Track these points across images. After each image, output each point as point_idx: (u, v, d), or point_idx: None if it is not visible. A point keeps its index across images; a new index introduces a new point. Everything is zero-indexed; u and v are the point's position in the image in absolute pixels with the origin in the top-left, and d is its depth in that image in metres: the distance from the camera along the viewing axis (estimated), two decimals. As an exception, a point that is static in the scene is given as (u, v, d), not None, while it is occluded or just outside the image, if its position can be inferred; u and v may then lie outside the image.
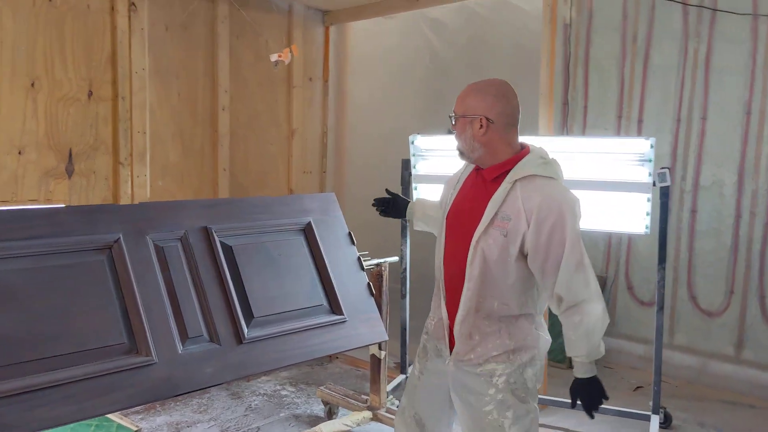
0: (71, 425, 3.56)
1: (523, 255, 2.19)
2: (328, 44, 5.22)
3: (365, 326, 3.27)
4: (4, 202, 3.71)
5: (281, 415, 3.98)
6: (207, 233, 2.93)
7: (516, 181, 2.19)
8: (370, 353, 3.76)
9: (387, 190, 3.14)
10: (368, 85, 5.36)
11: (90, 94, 3.99)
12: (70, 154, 3.94)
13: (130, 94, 4.11)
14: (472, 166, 2.42)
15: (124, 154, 4.12)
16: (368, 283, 3.39)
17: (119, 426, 3.66)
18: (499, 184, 2.22)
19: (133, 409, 3.91)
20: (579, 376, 2.22)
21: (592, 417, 2.23)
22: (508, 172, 2.22)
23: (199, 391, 4.17)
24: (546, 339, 2.36)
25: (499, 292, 2.23)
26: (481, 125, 2.22)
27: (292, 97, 5.03)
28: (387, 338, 3.34)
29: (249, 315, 2.91)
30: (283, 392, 4.31)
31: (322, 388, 4.08)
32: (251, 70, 4.78)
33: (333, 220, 3.44)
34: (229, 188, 4.71)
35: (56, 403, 2.39)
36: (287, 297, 3.06)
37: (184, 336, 2.70)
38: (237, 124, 4.74)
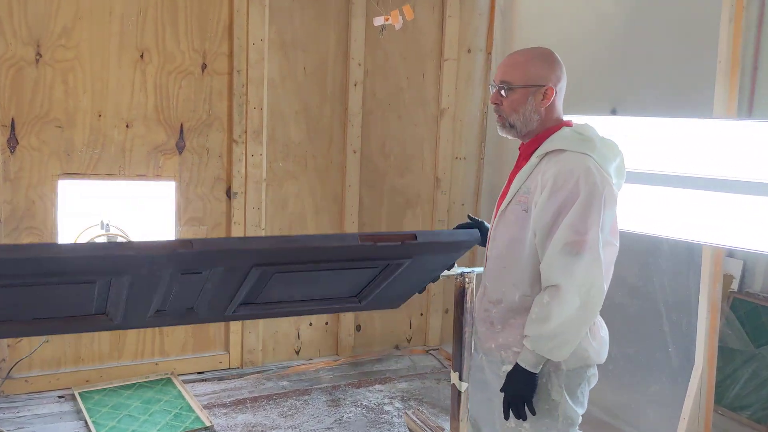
0: (151, 410, 3.44)
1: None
2: (493, 10, 4.48)
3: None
4: (111, 176, 3.68)
5: (367, 435, 3.47)
6: None
7: (546, 154, 1.98)
8: (451, 383, 3.07)
9: (469, 216, 2.47)
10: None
11: (204, 66, 3.81)
12: (182, 130, 3.80)
13: (246, 67, 3.85)
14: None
15: (238, 131, 3.89)
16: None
17: (196, 418, 3.46)
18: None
19: (220, 403, 3.69)
20: (519, 362, 1.97)
21: (505, 416, 1.99)
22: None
23: (297, 391, 3.86)
24: (595, 348, 2.03)
25: (519, 278, 2.02)
26: (544, 96, 2.01)
27: (443, 71, 4.41)
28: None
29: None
30: (388, 407, 3.79)
31: (408, 412, 3.48)
32: (393, 40, 4.25)
33: None
34: (360, 173, 4.27)
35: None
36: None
37: None
38: (373, 101, 4.27)
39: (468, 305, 3.07)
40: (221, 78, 3.86)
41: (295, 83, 4.05)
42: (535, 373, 1.96)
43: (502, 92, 2.02)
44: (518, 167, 2.09)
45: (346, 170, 4.23)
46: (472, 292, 3.08)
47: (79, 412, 3.49)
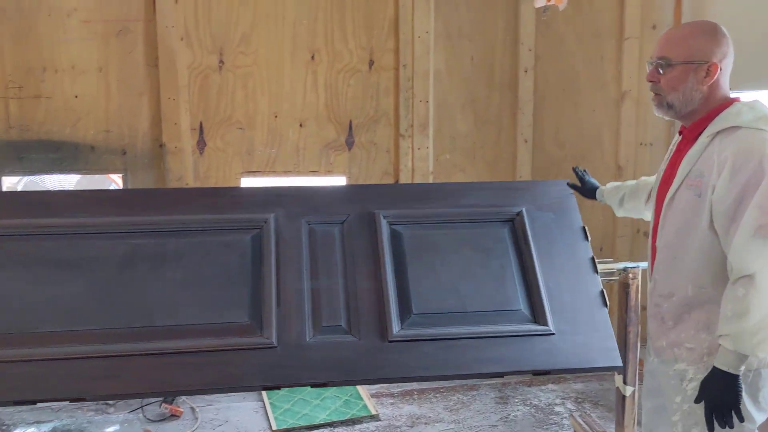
0: (323, 395, 3.59)
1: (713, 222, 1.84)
2: (681, -19, 4.09)
3: (585, 344, 2.46)
4: (287, 173, 3.89)
5: (533, 435, 3.32)
6: (373, 218, 2.55)
7: (716, 133, 1.84)
8: (616, 386, 2.82)
9: (574, 168, 2.63)
10: (740, 34, 4.00)
11: (371, 63, 3.89)
12: (350, 126, 3.92)
13: (411, 60, 3.88)
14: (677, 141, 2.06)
15: (404, 125, 3.92)
16: (601, 291, 2.55)
17: (363, 406, 3.55)
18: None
19: (388, 393, 3.74)
20: (717, 365, 1.78)
21: (710, 428, 1.78)
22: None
23: (465, 386, 3.80)
24: None
25: (692, 269, 1.88)
26: (708, 73, 1.87)
27: (623, 51, 4.10)
28: (619, 363, 2.46)
29: (406, 310, 2.44)
30: (559, 408, 3.59)
31: (575, 415, 3.26)
32: (567, 22, 4.05)
33: (562, 212, 2.69)
34: (532, 162, 4.10)
35: (166, 369, 2.35)
36: (469, 297, 2.48)
37: (317, 324, 2.39)
38: (545, 87, 4.09)
39: (632, 303, 2.84)
40: (387, 73, 3.92)
41: (461, 74, 4.00)
42: (738, 375, 1.77)
43: (660, 69, 1.90)
44: (682, 150, 1.97)
45: (516, 161, 4.09)
46: (637, 288, 2.85)
47: (259, 393, 3.72)
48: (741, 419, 1.76)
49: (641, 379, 2.60)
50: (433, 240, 2.55)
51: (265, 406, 3.58)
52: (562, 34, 4.07)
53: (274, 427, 3.36)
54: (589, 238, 2.67)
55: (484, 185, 2.78)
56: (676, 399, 1.94)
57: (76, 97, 3.68)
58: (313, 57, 3.83)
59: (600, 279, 2.59)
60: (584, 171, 2.73)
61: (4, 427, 3.38)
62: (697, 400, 1.82)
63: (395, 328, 2.36)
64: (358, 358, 2.32)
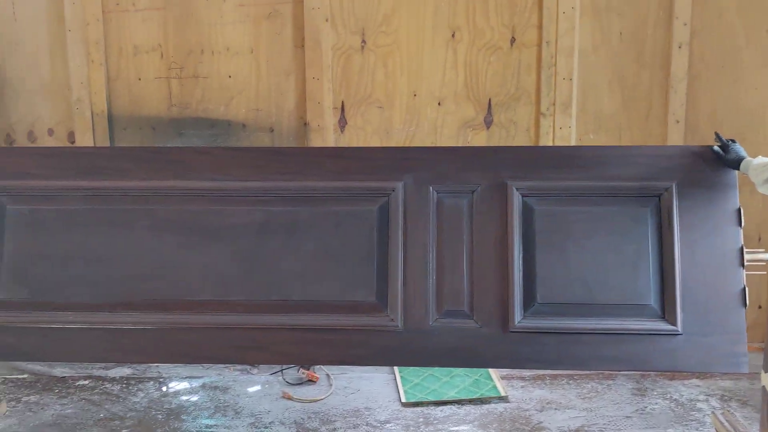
0: (453, 373, 3.65)
1: None
2: None
3: (712, 347, 2.34)
4: (424, 151, 3.92)
5: (669, 431, 3.16)
6: (504, 190, 2.51)
7: None
8: (761, 384, 2.62)
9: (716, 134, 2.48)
10: None
11: (512, 40, 3.82)
12: (489, 105, 3.88)
13: (555, 37, 3.75)
14: None
15: (546, 103, 3.82)
16: (743, 288, 2.40)
17: (493, 387, 3.56)
18: None
19: (519, 376, 3.72)
20: None
21: None
22: None
23: (601, 374, 3.70)
24: None
25: None
26: None
27: (794, 23, 3.73)
28: (745, 370, 2.31)
29: (530, 298, 2.43)
30: (702, 405, 3.40)
31: (717, 413, 3.06)
32: (730, -7, 3.74)
33: (716, 189, 2.51)
34: (684, 144, 3.85)
35: (302, 344, 2.49)
36: (596, 286, 2.44)
37: (441, 306, 2.44)
38: (700, 64, 3.81)
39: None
40: (530, 50, 3.82)
41: (608, 50, 3.82)
42: None
43: None
44: None
45: (666, 143, 3.86)
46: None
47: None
48: None
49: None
50: (566, 218, 2.47)
51: (395, 379, 3.68)
52: (723, 7, 3.76)
53: (403, 400, 3.45)
54: (743, 224, 2.49)
55: (634, 151, 2.60)
56: None
57: (230, 77, 3.92)
58: (453, 35, 3.82)
59: (745, 274, 2.43)
60: (731, 140, 2.55)
61: (161, 380, 3.73)
62: None
63: (517, 317, 2.35)
64: (477, 346, 2.34)
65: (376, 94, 3.89)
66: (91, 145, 3.96)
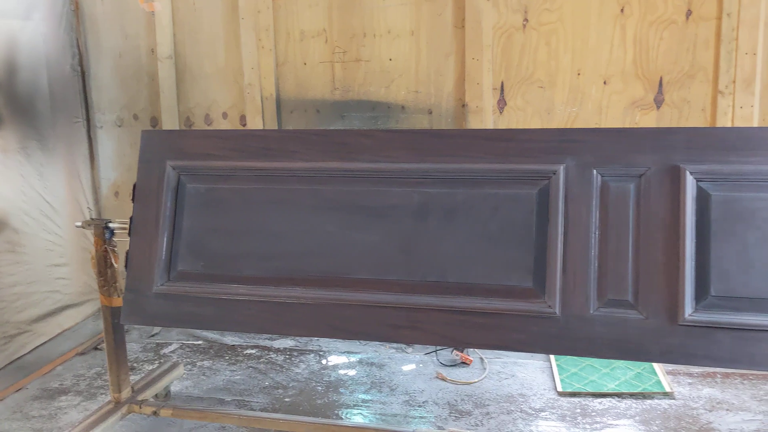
0: (614, 365, 3.52)
1: None
2: None
3: None
4: (587, 133, 3.77)
5: None
6: (677, 174, 2.35)
7: None
8: None
9: None
10: None
11: (689, 13, 3.55)
12: (660, 83, 3.64)
13: (738, 8, 3.45)
14: None
15: (725, 81, 3.53)
16: None
17: (657, 382, 3.40)
18: None
19: (687, 372, 3.50)
20: None
21: None
22: None
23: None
24: None
25: None
26: None
27: None
28: None
29: (703, 291, 2.27)
30: None
31: None
32: None
33: None
34: None
35: (456, 326, 2.51)
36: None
37: (603, 295, 2.35)
38: None
39: None
40: (707, 24, 3.54)
41: (801, 20, 3.45)
42: None
43: None
44: None
45: None
46: None
47: (547, 353, 3.75)
48: None
49: None
50: (749, 206, 2.27)
51: (551, 367, 3.60)
52: None
53: (560, 389, 3.37)
54: None
55: None
56: None
57: (390, 60, 3.97)
58: (622, 10, 3.61)
59: None
60: None
61: (321, 353, 3.89)
62: None
63: (688, 309, 2.20)
64: (642, 339, 2.22)
65: (537, 73, 3.78)
66: (261, 127, 4.18)
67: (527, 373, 3.57)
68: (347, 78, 4.06)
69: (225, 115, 4.33)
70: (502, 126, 3.85)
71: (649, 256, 2.30)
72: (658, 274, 2.28)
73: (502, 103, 3.84)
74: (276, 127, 4.19)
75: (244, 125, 4.26)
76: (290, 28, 4.12)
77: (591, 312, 2.32)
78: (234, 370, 3.73)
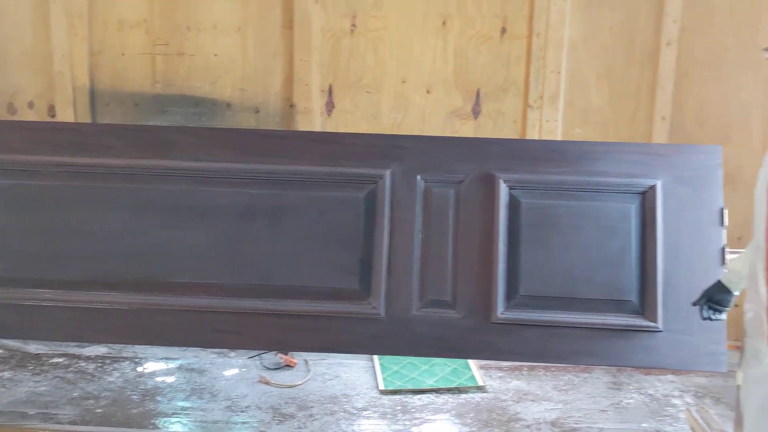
0: (433, 362, 3.65)
1: None
2: None
3: (692, 345, 2.36)
4: (411, 139, 3.90)
5: (643, 425, 3.20)
6: (492, 182, 2.49)
7: None
8: (736, 383, 2.66)
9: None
10: None
11: (503, 31, 3.80)
12: (478, 95, 3.86)
13: (546, 29, 3.74)
14: None
15: (534, 96, 3.82)
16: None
17: (471, 377, 3.57)
18: None
19: (498, 366, 3.73)
20: None
21: None
22: None
23: (578, 367, 3.73)
24: None
25: None
26: None
27: (783, 24, 3.75)
28: (723, 369, 2.34)
29: (513, 291, 2.42)
30: (676, 401, 3.44)
31: (691, 409, 3.11)
32: (723, -8, 3.75)
33: (702, 188, 2.52)
34: (670, 141, 3.87)
35: (282, 330, 2.47)
36: (579, 280, 2.44)
37: (424, 296, 2.43)
38: (689, 62, 3.82)
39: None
40: (520, 42, 3.81)
41: (598, 45, 3.82)
42: None
43: None
44: None
45: (652, 140, 3.87)
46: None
47: (369, 353, 3.83)
48: None
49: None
50: (553, 212, 2.47)
51: (374, 366, 3.68)
52: (714, 5, 3.77)
53: (381, 387, 3.45)
54: (726, 224, 2.49)
55: (621, 147, 2.58)
56: None
57: (216, 55, 3.86)
58: (444, 23, 3.79)
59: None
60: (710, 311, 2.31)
61: (137, 360, 3.69)
62: None
63: (500, 309, 2.35)
64: (460, 337, 2.34)
65: (365, 78, 3.85)
66: (72, 119, 3.89)
67: (351, 374, 3.62)
68: (169, 72, 3.89)
69: (31, 105, 3.97)
70: (330, 128, 3.88)
71: (466, 259, 2.43)
72: (474, 276, 2.41)
73: (330, 106, 3.87)
74: (90, 120, 3.91)
75: (53, 116, 3.94)
76: (107, 15, 3.87)
77: (413, 312, 2.40)
78: (39, 381, 3.43)
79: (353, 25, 3.79)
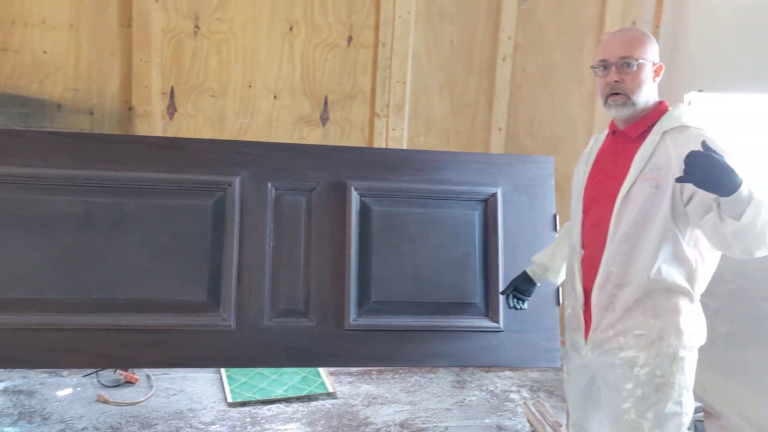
0: (281, 371, 3.58)
1: (675, 211, 1.90)
2: (665, -23, 4.08)
3: (530, 343, 2.50)
4: (258, 145, 3.84)
5: (485, 421, 3.36)
6: (343, 189, 2.50)
7: (665, 132, 1.96)
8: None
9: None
10: (721, 37, 3.97)
11: (350, 39, 3.84)
12: (326, 102, 3.87)
13: (391, 39, 3.83)
14: (602, 138, 2.19)
15: (380, 104, 3.89)
16: (556, 289, 2.57)
17: (321, 383, 3.56)
18: (644, 139, 1.99)
19: (347, 371, 3.76)
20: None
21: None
22: (653, 125, 2.00)
23: (424, 369, 3.83)
24: (702, 333, 2.00)
25: (646, 257, 1.94)
26: (655, 74, 2.02)
27: (603, 46, 4.10)
28: (558, 365, 2.51)
29: (365, 297, 2.44)
30: (514, 395, 3.65)
31: (528, 403, 3.31)
32: (549, 12, 4.03)
33: (537, 196, 2.66)
34: (505, 151, 4.11)
35: (125, 346, 2.33)
36: (427, 285, 2.50)
37: (276, 305, 2.39)
38: (522, 76, 4.08)
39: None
40: (366, 51, 3.87)
41: (440, 57, 3.97)
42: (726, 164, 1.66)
43: (626, 68, 1.96)
44: (620, 149, 2.03)
45: (490, 148, 4.09)
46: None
47: (216, 365, 3.72)
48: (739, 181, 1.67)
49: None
50: (402, 219, 2.53)
51: (221, 378, 3.57)
52: (543, 24, 4.05)
53: (230, 400, 3.36)
54: (558, 228, 2.67)
55: (465, 157, 2.69)
56: (626, 386, 1.97)
57: (45, 53, 3.58)
58: (291, 29, 3.77)
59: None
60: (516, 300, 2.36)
61: (-46, 385, 3.34)
62: (680, 179, 1.71)
63: (352, 315, 2.37)
64: (313, 345, 2.33)
65: (208, 81, 3.74)
66: None
67: (197, 387, 3.49)
68: (-9, 68, 3.55)
69: None
70: (171, 133, 3.73)
71: (319, 266, 2.42)
72: (327, 283, 2.41)
73: (172, 109, 3.72)
74: None
75: None
76: None
77: (265, 322, 2.36)
78: None
79: (196, 26, 3.67)
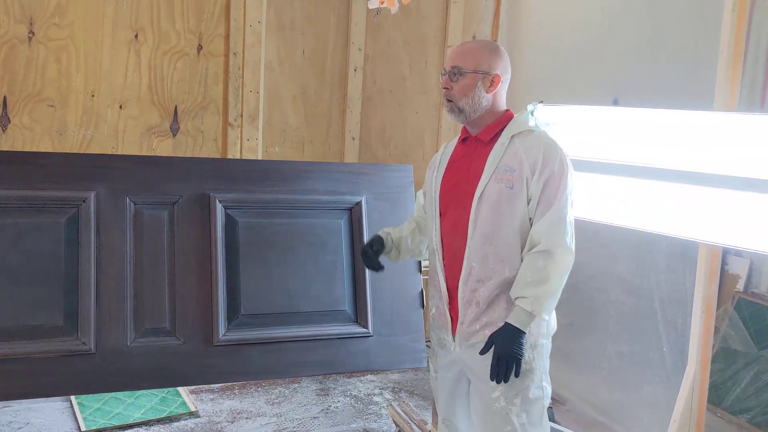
0: (137, 393, 3.41)
1: (529, 210, 2.08)
2: (500, -4, 4.37)
3: (398, 346, 2.57)
4: (104, 157, 3.64)
5: (352, 425, 3.41)
6: (207, 202, 2.43)
7: (513, 136, 2.12)
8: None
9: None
10: (551, 48, 4.34)
11: (200, 48, 3.75)
12: (176, 111, 3.76)
13: (242, 49, 3.79)
14: (453, 145, 2.32)
15: (233, 114, 3.83)
16: (420, 292, 2.67)
17: (182, 403, 3.43)
18: (495, 142, 2.15)
19: (208, 389, 3.66)
20: (510, 322, 2.01)
21: (497, 378, 1.99)
22: (502, 130, 2.16)
23: (287, 379, 3.82)
24: (555, 322, 2.19)
25: (504, 253, 2.08)
26: (492, 83, 2.14)
27: (445, 58, 4.31)
28: (424, 365, 2.61)
29: (234, 311, 2.39)
30: (377, 398, 3.73)
31: (393, 404, 3.42)
32: (396, 26, 4.17)
33: (398, 203, 2.74)
34: (359, 159, 4.20)
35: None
36: (297, 295, 2.49)
37: (140, 325, 2.28)
38: (373, 87, 4.19)
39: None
40: (217, 60, 3.80)
41: (293, 67, 3.99)
42: (524, 332, 2.01)
43: (453, 77, 2.12)
44: (473, 152, 2.17)
45: (344, 157, 4.16)
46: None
47: (65, 392, 3.48)
48: (517, 374, 1.99)
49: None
50: (268, 231, 2.51)
51: (72, 406, 3.35)
52: (391, 37, 4.19)
53: (83, 429, 3.16)
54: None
55: (330, 167, 2.72)
56: None
57: None
58: (136, 36, 3.62)
59: (422, 279, 2.73)
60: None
61: None
62: (483, 351, 2.02)
63: (221, 330, 2.33)
64: (180, 364, 2.26)
65: (46, 91, 3.50)
66: None
67: (45, 418, 3.25)
68: None
69: None
70: (5, 146, 3.45)
71: (184, 282, 2.35)
72: (193, 299, 2.35)
73: (5, 121, 3.44)
74: None
75: None
76: None
77: (129, 344, 2.26)
78: None
79: (31, 32, 3.42)
